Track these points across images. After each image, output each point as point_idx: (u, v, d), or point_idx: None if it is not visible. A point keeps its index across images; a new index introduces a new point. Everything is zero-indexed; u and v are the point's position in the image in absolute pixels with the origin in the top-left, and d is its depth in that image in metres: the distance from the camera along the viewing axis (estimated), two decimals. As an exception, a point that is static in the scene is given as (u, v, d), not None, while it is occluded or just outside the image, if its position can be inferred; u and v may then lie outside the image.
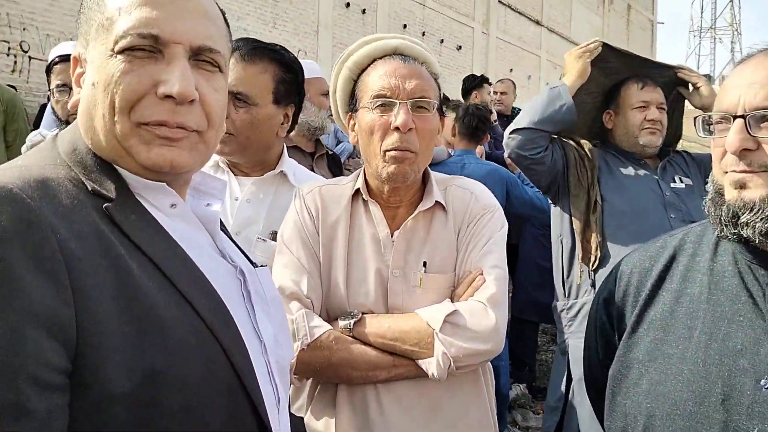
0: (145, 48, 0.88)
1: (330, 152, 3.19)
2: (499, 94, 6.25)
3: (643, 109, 2.66)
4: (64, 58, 2.62)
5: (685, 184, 2.64)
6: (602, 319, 1.37)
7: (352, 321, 1.46)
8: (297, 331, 1.43)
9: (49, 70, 2.71)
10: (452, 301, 1.46)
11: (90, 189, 0.86)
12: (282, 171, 1.86)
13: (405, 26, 17.50)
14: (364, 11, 16.58)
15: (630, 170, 2.66)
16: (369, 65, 1.56)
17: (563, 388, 2.59)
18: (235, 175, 1.85)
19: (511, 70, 21.51)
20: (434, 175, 1.63)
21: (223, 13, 1.03)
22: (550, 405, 2.70)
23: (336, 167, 3.12)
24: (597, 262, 2.53)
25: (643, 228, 2.44)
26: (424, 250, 1.52)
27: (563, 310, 2.71)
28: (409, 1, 17.84)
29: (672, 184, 2.62)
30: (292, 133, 2.79)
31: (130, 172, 0.91)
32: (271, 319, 1.07)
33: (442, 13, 19.15)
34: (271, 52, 1.78)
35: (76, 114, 2.56)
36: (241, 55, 1.72)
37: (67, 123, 2.61)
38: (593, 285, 2.54)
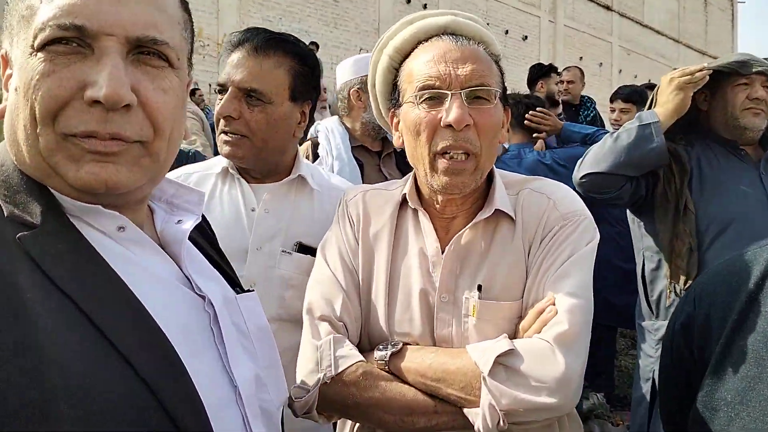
0: (70, 42, 0.73)
1: (398, 149, 3.01)
2: (565, 83, 5.88)
3: (746, 87, 2.26)
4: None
5: None
6: (680, 349, 1.14)
7: (389, 353, 1.20)
8: (321, 360, 1.20)
9: None
10: (516, 337, 1.18)
11: (6, 214, 0.71)
12: (300, 175, 1.66)
13: (468, 19, 17.13)
14: (425, 6, 16.33)
15: (727, 165, 2.29)
16: (413, 50, 1.28)
17: (646, 417, 2.28)
18: (248, 182, 1.65)
19: (581, 58, 20.74)
20: (504, 176, 1.34)
21: None
22: None
23: (406, 166, 2.93)
24: (689, 280, 2.17)
25: (744, 236, 2.08)
26: (480, 270, 1.23)
27: (650, 331, 2.38)
28: (472, -8, 17.46)
29: None
30: (357, 133, 2.68)
31: (60, 192, 0.76)
32: (254, 357, 0.91)
33: (506, 3, 18.66)
34: (285, 44, 1.59)
35: None
36: (253, 47, 1.54)
37: None
38: None
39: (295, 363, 1.25)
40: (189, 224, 0.91)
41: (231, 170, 1.65)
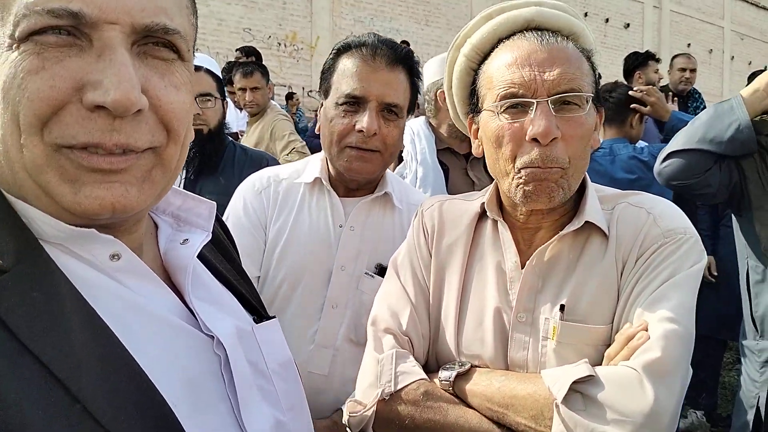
0: (63, 32, 0.59)
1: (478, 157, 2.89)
2: (688, 71, 5.40)
3: None
4: (187, 71, 2.62)
5: None
6: None
7: (454, 373, 1.11)
8: (381, 374, 1.12)
9: None
10: (601, 365, 1.05)
11: None
12: (386, 192, 1.60)
13: (564, 9, 16.54)
14: (519, -2, 15.91)
15: None
16: (492, 49, 1.16)
17: None
18: (339, 195, 1.59)
19: (689, 44, 19.48)
20: (600, 190, 1.21)
21: None
22: None
23: None
24: None
25: None
26: (565, 288, 1.11)
27: (754, 352, 2.12)
28: (569, -19, 16.83)
29: None
30: (444, 135, 2.62)
31: (49, 214, 0.63)
32: (274, 400, 0.79)
33: (606, -10, 17.84)
34: (409, 58, 1.53)
35: (196, 124, 2.46)
36: (388, 60, 1.48)
37: None
38: None
39: None
40: (196, 246, 0.79)
41: (324, 182, 1.59)
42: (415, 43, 13.73)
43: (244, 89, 4.25)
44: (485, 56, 1.17)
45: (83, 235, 0.65)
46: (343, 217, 1.57)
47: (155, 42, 0.65)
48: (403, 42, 12.63)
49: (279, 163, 3.06)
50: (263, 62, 5.56)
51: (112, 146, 0.61)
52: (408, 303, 1.21)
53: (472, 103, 1.20)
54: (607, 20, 17.69)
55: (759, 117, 2.07)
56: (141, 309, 0.68)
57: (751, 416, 2.07)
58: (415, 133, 2.79)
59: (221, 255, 0.93)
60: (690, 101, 5.11)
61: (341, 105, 1.47)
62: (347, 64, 1.49)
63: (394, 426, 1.10)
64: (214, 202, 0.87)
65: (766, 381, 2.01)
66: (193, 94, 0.73)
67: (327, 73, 1.55)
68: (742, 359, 2.22)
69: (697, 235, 1.10)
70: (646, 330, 0.99)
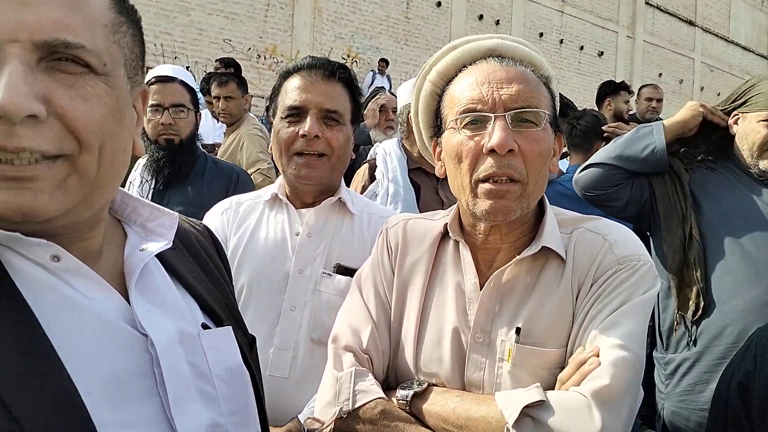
0: None
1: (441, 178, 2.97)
2: (654, 101, 5.56)
3: None
4: (161, 79, 2.61)
5: None
6: (735, 411, 1.02)
7: (411, 392, 1.12)
8: (339, 392, 1.14)
9: None
10: (554, 389, 1.07)
11: None
12: (340, 198, 1.68)
13: (541, 35, 16.87)
14: (497, 22, 16.20)
15: (747, 193, 2.04)
16: (456, 74, 1.20)
17: None
18: (296, 208, 1.69)
19: (660, 74, 19.98)
20: (559, 213, 1.23)
21: None
22: None
23: None
24: (698, 311, 1.97)
25: (759, 270, 1.89)
26: (521, 311, 1.13)
27: (660, 364, 2.17)
28: (546, 8, 17.19)
29: None
30: (416, 155, 2.70)
31: None
32: (214, 402, 0.83)
33: (582, 18, 18.26)
34: (345, 71, 1.68)
35: (165, 134, 2.52)
36: (325, 73, 1.63)
37: (156, 143, 2.59)
38: (693, 341, 1.99)
39: None
40: (153, 248, 0.84)
41: (280, 196, 1.69)
42: (395, 61, 13.86)
43: (218, 98, 4.27)
44: (449, 81, 1.20)
45: (11, 239, 0.69)
46: (299, 225, 1.64)
47: (61, 57, 0.69)
48: (382, 60, 12.75)
49: (250, 177, 3.07)
50: (242, 74, 5.57)
51: (13, 149, 0.65)
52: (369, 320, 1.22)
53: (436, 126, 1.23)
54: (581, 48, 18.08)
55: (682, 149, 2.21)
56: (78, 306, 0.72)
57: (658, 427, 2.13)
58: (387, 153, 2.85)
59: (197, 265, 0.98)
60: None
61: (285, 118, 1.61)
62: (289, 83, 1.64)
63: None
64: (177, 214, 0.93)
65: (670, 393, 2.06)
66: (120, 107, 0.76)
67: (274, 96, 1.70)
68: (655, 371, 2.27)
69: (651, 262, 1.13)
70: (598, 356, 1.01)
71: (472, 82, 1.13)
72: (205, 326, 0.89)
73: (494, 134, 1.06)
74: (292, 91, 1.61)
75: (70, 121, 0.69)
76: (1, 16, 0.66)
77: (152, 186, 2.60)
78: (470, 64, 1.18)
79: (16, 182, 0.66)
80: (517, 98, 1.09)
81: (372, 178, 2.88)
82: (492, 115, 1.08)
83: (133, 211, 0.90)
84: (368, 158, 3.12)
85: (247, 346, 1.00)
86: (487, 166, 1.08)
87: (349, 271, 1.57)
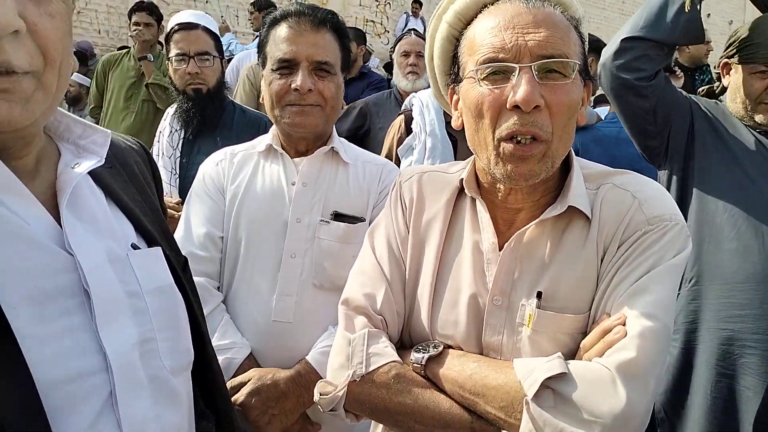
0: None
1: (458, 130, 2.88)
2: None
3: (765, 76, 1.90)
4: (183, 26, 2.56)
5: None
6: None
7: (426, 355, 1.09)
8: (352, 355, 1.10)
9: (168, 39, 2.65)
10: (575, 357, 1.02)
11: None
12: (332, 147, 1.70)
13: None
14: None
15: (748, 138, 1.95)
16: (476, 16, 1.10)
17: None
18: (291, 157, 1.70)
19: (709, 15, 18.98)
20: (586, 167, 1.15)
21: None
22: None
23: None
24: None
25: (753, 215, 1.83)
26: (544, 274, 1.07)
27: None
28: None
29: None
30: None
31: None
32: (144, 320, 0.87)
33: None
34: (331, 21, 1.65)
35: (193, 83, 2.52)
36: (313, 23, 1.61)
37: (184, 93, 2.57)
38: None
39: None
40: (84, 166, 0.86)
41: (275, 146, 1.70)
42: (429, 2, 13.42)
43: None
44: (468, 23, 1.12)
45: None
46: (295, 175, 1.66)
47: None
48: (416, 1, 12.31)
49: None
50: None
51: (2, 62, 0.69)
52: (383, 280, 1.18)
53: (453, 73, 1.15)
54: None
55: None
56: (7, 224, 0.76)
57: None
58: (425, 105, 2.76)
59: (133, 185, 1.01)
60: (698, 73, 4.97)
61: (276, 70, 1.60)
62: (277, 33, 1.62)
63: (365, 407, 1.09)
64: (109, 131, 0.95)
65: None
66: (70, 25, 0.81)
67: (262, 44, 1.68)
68: None
69: (683, 221, 1.06)
70: (624, 324, 0.96)
71: (494, 26, 1.04)
72: (135, 246, 0.92)
73: (519, 88, 0.98)
74: (282, 43, 1.59)
75: (39, 37, 0.74)
76: None
77: (182, 136, 2.60)
78: (492, 4, 1.09)
79: (4, 93, 0.71)
80: (545, 45, 1.00)
81: (408, 130, 2.81)
82: (516, 65, 1.00)
83: (66, 129, 0.92)
84: (403, 108, 3.03)
85: (180, 266, 1.03)
86: (510, 123, 1.00)
87: (346, 218, 1.62)
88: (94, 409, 0.79)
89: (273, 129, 1.73)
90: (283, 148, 1.70)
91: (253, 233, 1.61)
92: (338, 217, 1.62)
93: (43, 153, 0.86)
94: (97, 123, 4.58)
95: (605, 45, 2.87)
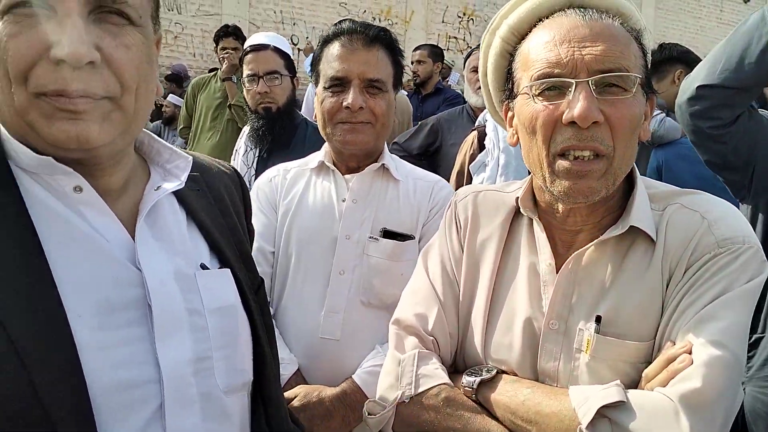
0: (33, 5, 0.76)
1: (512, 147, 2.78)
2: None
3: None
4: (254, 48, 2.64)
5: None
6: None
7: (478, 379, 1.04)
8: (401, 376, 1.08)
9: (241, 62, 2.74)
10: (637, 387, 0.96)
11: None
12: (383, 164, 1.68)
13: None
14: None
15: None
16: (530, 30, 1.07)
17: None
18: (342, 174, 1.71)
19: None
20: (651, 186, 1.09)
21: None
22: None
23: None
24: None
25: None
26: (603, 298, 1.01)
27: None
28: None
29: None
30: None
31: (37, 150, 0.80)
32: (203, 338, 0.89)
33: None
34: (383, 38, 1.65)
35: (263, 102, 2.60)
36: (365, 40, 1.62)
37: (255, 112, 2.64)
38: None
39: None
40: (167, 187, 0.92)
41: (327, 163, 1.71)
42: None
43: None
44: (522, 38, 1.08)
45: (44, 163, 0.80)
46: (346, 191, 1.66)
47: (108, 11, 0.80)
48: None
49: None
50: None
51: (72, 92, 0.76)
52: (436, 301, 1.15)
53: (508, 89, 1.11)
54: (726, -7, 16.34)
55: None
56: (84, 236, 0.82)
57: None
58: None
59: (218, 208, 1.06)
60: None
61: (328, 88, 1.62)
62: (330, 51, 1.63)
63: (414, 430, 1.06)
64: (191, 156, 1.01)
65: (752, 376, 1.79)
66: (151, 53, 0.87)
67: (315, 63, 1.69)
68: None
69: (759, 244, 0.97)
70: (690, 353, 0.89)
71: (549, 40, 1.00)
72: (204, 267, 0.96)
73: (576, 104, 0.94)
74: (334, 61, 1.60)
75: (116, 67, 0.80)
76: None
77: (256, 154, 2.68)
78: (546, 18, 1.05)
79: (72, 114, 0.77)
80: (603, 59, 0.95)
81: (481, 146, 2.76)
82: (573, 80, 0.96)
83: (157, 153, 0.99)
84: (476, 125, 2.98)
85: (253, 288, 1.05)
86: (566, 137, 0.96)
87: (395, 236, 1.61)
88: (142, 419, 0.81)
89: (326, 146, 1.75)
90: (334, 165, 1.71)
91: (304, 249, 1.63)
92: (387, 234, 1.61)
93: (134, 173, 0.94)
94: (186, 142, 4.82)
95: (695, 57, 2.67)
